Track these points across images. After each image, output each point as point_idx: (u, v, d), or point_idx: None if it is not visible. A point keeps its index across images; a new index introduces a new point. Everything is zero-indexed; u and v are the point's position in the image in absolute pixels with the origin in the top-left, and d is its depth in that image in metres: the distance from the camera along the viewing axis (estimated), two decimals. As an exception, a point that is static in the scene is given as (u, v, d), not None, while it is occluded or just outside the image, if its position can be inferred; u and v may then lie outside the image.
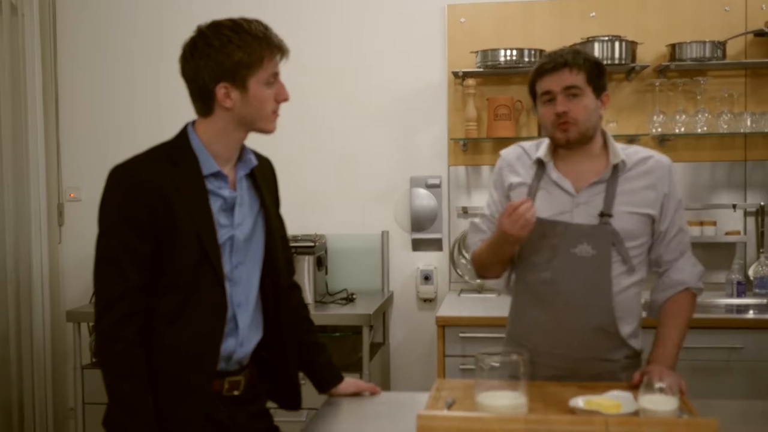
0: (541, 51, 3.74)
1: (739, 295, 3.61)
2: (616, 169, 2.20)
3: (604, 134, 2.27)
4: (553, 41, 3.76)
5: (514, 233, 2.08)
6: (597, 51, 3.65)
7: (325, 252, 3.92)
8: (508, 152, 2.36)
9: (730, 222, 3.81)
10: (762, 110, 3.69)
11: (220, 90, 1.80)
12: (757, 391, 3.17)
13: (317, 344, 2.18)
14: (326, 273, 3.92)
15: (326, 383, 2.18)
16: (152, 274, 1.79)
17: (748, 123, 3.67)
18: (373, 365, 3.62)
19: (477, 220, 2.46)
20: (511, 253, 2.26)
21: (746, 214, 3.82)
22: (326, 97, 4.05)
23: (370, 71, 4.03)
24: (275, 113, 1.88)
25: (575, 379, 2.15)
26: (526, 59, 3.70)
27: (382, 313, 3.91)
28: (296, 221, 3.99)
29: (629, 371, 2.21)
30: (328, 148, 4.07)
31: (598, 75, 2.18)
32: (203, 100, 1.84)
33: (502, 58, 3.69)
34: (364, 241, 4.00)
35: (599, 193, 2.19)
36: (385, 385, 3.95)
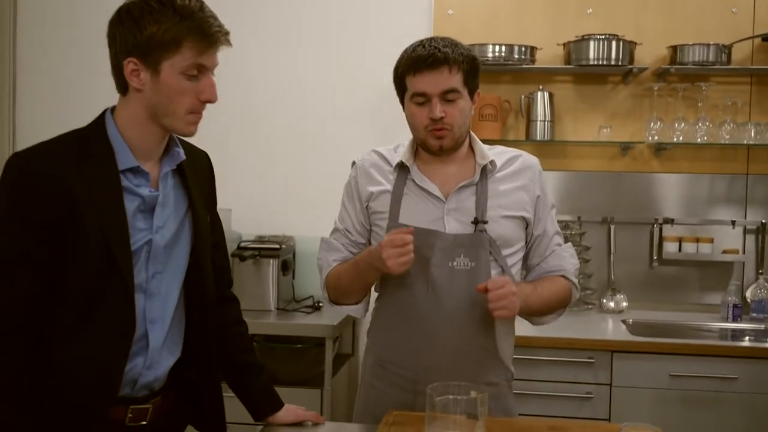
0: (533, 48, 3.49)
1: (735, 319, 3.35)
2: (485, 171, 2.04)
3: (470, 135, 2.10)
4: (546, 37, 3.54)
5: (393, 268, 1.86)
6: (592, 50, 3.39)
7: (293, 255, 3.66)
8: (363, 159, 2.15)
9: (728, 239, 3.55)
10: (767, 120, 3.43)
11: (128, 65, 1.55)
12: (751, 427, 2.91)
13: (253, 366, 1.92)
14: (293, 277, 3.66)
15: (262, 410, 1.91)
16: (48, 282, 1.52)
17: (752, 134, 3.41)
18: (340, 378, 3.37)
19: (330, 237, 2.21)
20: (374, 281, 2.07)
21: (746, 231, 3.56)
22: (303, 89, 3.79)
23: (350, 63, 3.77)
24: (194, 114, 1.61)
25: None
26: (516, 56, 3.44)
27: (352, 322, 3.64)
28: (264, 221, 3.80)
29: (507, 399, 2.08)
30: (301, 144, 3.80)
31: (474, 74, 2.00)
32: (116, 75, 1.59)
33: (490, 54, 3.42)
34: (336, 245, 3.72)
35: (469, 198, 2.01)
36: (352, 400, 3.69)
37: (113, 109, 1.64)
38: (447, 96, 1.94)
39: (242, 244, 3.47)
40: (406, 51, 2.00)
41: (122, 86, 1.59)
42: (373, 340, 2.15)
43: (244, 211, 3.76)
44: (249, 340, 1.96)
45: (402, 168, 2.06)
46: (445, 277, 1.96)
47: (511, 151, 2.12)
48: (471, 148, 2.08)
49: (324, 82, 3.78)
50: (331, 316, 3.33)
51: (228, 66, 4.02)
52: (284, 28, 3.78)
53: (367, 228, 2.11)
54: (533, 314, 2.10)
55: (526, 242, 2.10)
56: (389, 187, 2.05)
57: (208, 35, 1.55)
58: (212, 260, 1.81)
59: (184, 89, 1.56)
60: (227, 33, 1.60)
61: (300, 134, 3.80)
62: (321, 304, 3.48)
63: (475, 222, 1.98)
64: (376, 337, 2.14)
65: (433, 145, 1.99)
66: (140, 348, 1.61)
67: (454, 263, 1.96)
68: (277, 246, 3.47)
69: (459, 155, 2.06)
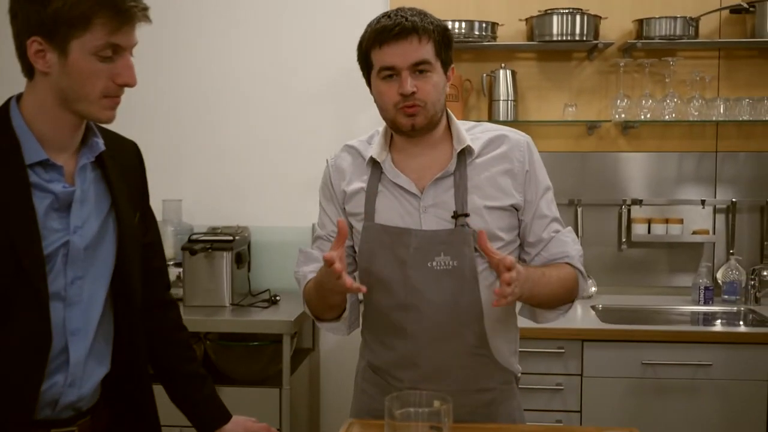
0: (494, 24, 3.33)
1: (707, 302, 3.25)
2: (463, 157, 1.82)
3: (447, 115, 1.88)
4: (508, 13, 3.40)
5: (349, 288, 1.63)
6: (555, 25, 3.25)
7: (248, 247, 3.48)
8: (335, 157, 1.95)
9: (698, 220, 3.44)
10: (737, 96, 3.32)
11: (32, 45, 1.37)
12: (727, 414, 2.81)
13: (197, 375, 1.75)
14: (249, 270, 3.48)
15: (209, 423, 1.74)
16: None
17: (722, 110, 3.29)
18: (300, 376, 3.22)
19: (312, 246, 1.98)
20: (341, 300, 1.81)
21: (716, 211, 3.45)
22: (254, 73, 3.60)
23: (303, 44, 3.59)
24: (110, 98, 1.42)
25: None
26: (477, 33, 3.28)
27: (312, 316, 3.48)
28: (217, 212, 3.62)
29: (508, 402, 1.88)
30: (255, 129, 3.62)
31: (447, 46, 1.79)
32: (20, 57, 1.41)
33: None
34: (293, 234, 3.56)
35: (448, 190, 1.80)
36: (314, 397, 3.54)
37: (19, 96, 1.45)
38: (418, 68, 1.74)
39: (193, 237, 3.29)
40: (370, 24, 1.80)
41: (28, 69, 1.41)
42: (365, 343, 1.97)
43: (196, 201, 3.58)
44: (191, 348, 1.78)
45: (375, 163, 1.87)
46: (424, 279, 1.77)
47: (496, 130, 1.88)
48: (449, 130, 1.87)
49: (277, 65, 3.60)
50: (289, 310, 3.16)
51: (176, 50, 3.89)
52: (233, 10, 3.59)
53: (351, 230, 1.91)
54: (541, 305, 1.83)
55: (519, 232, 1.87)
56: (364, 185, 1.86)
57: (122, 11, 1.36)
58: (146, 262, 1.63)
59: (96, 72, 1.37)
60: (145, 8, 1.41)
61: (254, 120, 3.61)
62: (278, 298, 3.31)
63: (455, 216, 1.77)
64: (366, 340, 1.96)
65: (404, 124, 1.77)
66: (60, 363, 1.44)
67: (434, 263, 1.76)
68: (231, 238, 3.29)
69: (435, 139, 1.84)
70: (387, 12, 1.79)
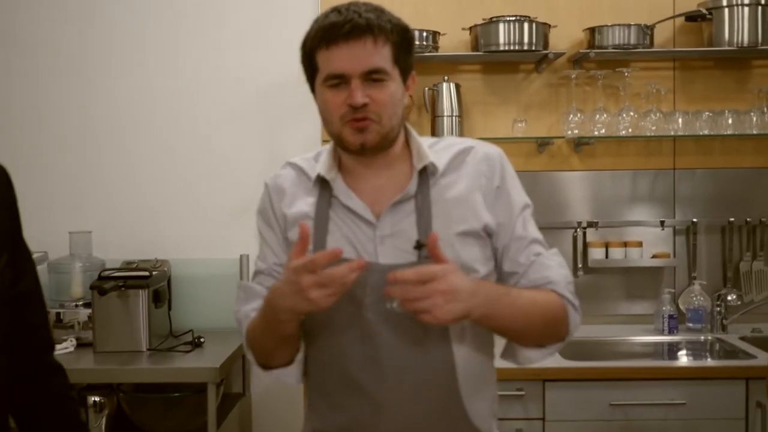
0: (436, 33, 3.07)
1: (671, 331, 3.01)
2: (425, 176, 1.54)
3: (406, 130, 1.60)
4: (450, 21, 3.14)
5: (318, 301, 1.35)
6: (502, 34, 3.00)
7: (168, 283, 3.12)
8: (276, 176, 1.65)
9: (657, 242, 3.21)
10: (696, 109, 3.11)
11: None
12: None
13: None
14: (169, 308, 3.12)
15: None
16: None
17: (680, 124, 3.07)
18: (229, 426, 2.88)
19: (252, 281, 1.67)
20: (295, 329, 1.50)
21: (675, 232, 3.23)
22: (169, 86, 3.26)
23: (225, 56, 3.26)
24: None
25: None
26: (417, 43, 3.00)
27: (241, 357, 3.12)
28: (132, 244, 3.24)
29: None
30: (173, 150, 3.27)
31: (406, 49, 1.52)
32: None
33: (387, 42, 2.98)
34: (219, 267, 3.22)
35: (408, 215, 1.52)
36: (245, 448, 3.18)
37: None
38: (371, 76, 1.46)
39: (105, 273, 2.91)
40: (316, 20, 1.50)
41: None
42: (309, 404, 1.63)
43: (107, 232, 3.22)
44: (82, 424, 1.43)
45: (324, 183, 1.56)
46: (383, 322, 1.48)
47: (461, 143, 1.60)
48: (408, 147, 1.59)
49: (196, 78, 3.27)
50: (215, 353, 2.81)
51: (82, 63, 3.51)
52: (145, 20, 3.25)
53: None
54: (510, 334, 1.53)
55: (495, 260, 1.58)
56: (309, 209, 1.56)
57: None
58: (18, 318, 1.28)
59: None
60: None
61: (172, 140, 3.27)
62: (202, 340, 2.95)
63: (418, 246, 1.48)
64: (311, 399, 1.62)
65: (352, 141, 1.49)
66: None
67: (394, 304, 1.46)
68: (147, 273, 2.93)
69: (392, 159, 1.56)
70: (337, 6, 1.48)
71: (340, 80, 1.46)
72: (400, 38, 1.49)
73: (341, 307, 1.46)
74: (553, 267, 1.55)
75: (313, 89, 1.54)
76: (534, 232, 1.59)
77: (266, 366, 1.60)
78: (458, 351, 1.50)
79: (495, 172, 1.56)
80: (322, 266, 1.33)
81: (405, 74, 1.52)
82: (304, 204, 1.57)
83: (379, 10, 1.49)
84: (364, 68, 1.44)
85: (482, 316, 1.42)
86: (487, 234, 1.54)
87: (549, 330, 1.53)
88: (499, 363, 1.61)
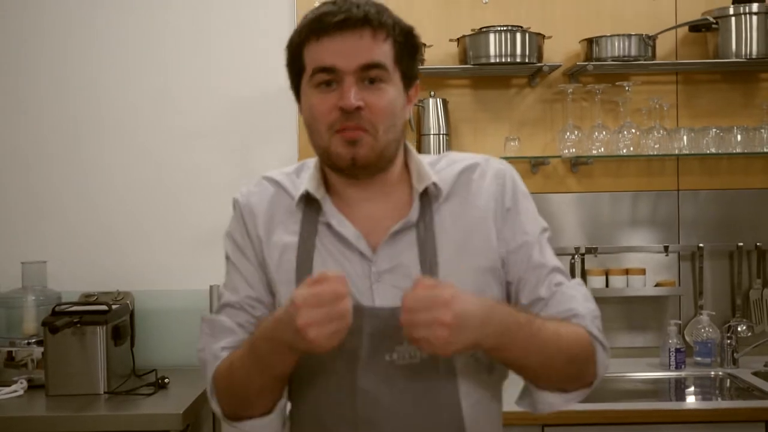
0: (422, 45, 2.84)
1: (678, 366, 2.78)
2: (428, 199, 1.33)
3: (406, 149, 1.39)
4: (436, 32, 2.95)
5: (319, 342, 1.13)
6: (492, 46, 2.80)
7: (131, 317, 2.87)
8: (249, 194, 1.40)
9: (661, 269, 2.99)
10: (702, 125, 2.90)
11: None
12: None
13: None
14: (132, 345, 2.86)
15: None
16: None
17: (685, 142, 2.86)
18: (197, 475, 2.61)
19: (219, 315, 1.41)
20: (291, 368, 1.26)
21: (680, 258, 3.01)
22: (129, 103, 3.03)
23: (196, 70, 3.04)
24: None
25: None
26: (403, 55, 2.79)
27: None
28: (91, 275, 3.00)
29: None
30: (134, 172, 3.03)
31: (410, 53, 1.32)
32: None
33: (369, 54, 2.77)
34: (186, 299, 2.97)
35: (409, 248, 1.31)
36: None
37: None
38: (368, 74, 1.25)
39: (59, 308, 2.66)
40: (305, 15, 1.29)
41: None
42: None
43: (64, 262, 2.99)
44: None
45: (309, 203, 1.34)
46: (382, 379, 1.27)
47: (465, 159, 1.39)
48: (407, 169, 1.37)
49: (160, 95, 3.04)
50: (180, 395, 2.57)
51: (34, 77, 3.23)
52: (104, 29, 3.02)
53: (273, 292, 1.37)
54: (526, 372, 1.30)
55: (508, 297, 1.36)
56: (292, 238, 1.33)
57: None
58: None
59: None
60: None
61: (132, 161, 3.04)
62: (167, 381, 2.70)
63: None
64: None
65: (341, 155, 1.26)
66: None
67: (394, 355, 1.26)
68: (106, 308, 2.67)
69: (390, 180, 1.34)
70: None
71: (330, 77, 1.24)
72: (404, 38, 1.29)
73: (334, 362, 1.26)
74: (578, 298, 1.34)
75: (297, 96, 1.33)
76: (553, 259, 1.37)
77: (237, 417, 1.35)
78: (467, 402, 1.30)
79: (506, 193, 1.35)
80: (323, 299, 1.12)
81: (407, 82, 1.31)
82: (285, 232, 1.34)
83: (380, 6, 1.28)
84: (360, 63, 1.24)
85: (494, 348, 1.21)
86: (499, 266, 1.33)
87: (574, 370, 1.31)
88: (542, 413, 1.37)
